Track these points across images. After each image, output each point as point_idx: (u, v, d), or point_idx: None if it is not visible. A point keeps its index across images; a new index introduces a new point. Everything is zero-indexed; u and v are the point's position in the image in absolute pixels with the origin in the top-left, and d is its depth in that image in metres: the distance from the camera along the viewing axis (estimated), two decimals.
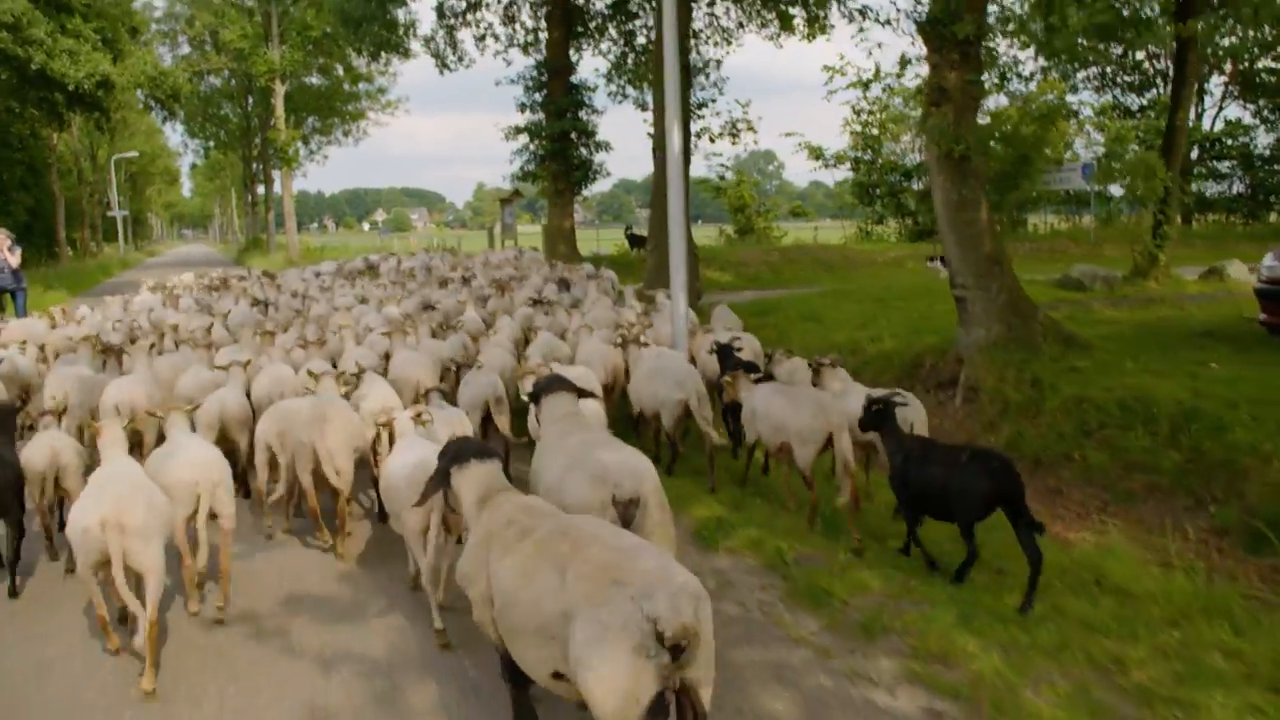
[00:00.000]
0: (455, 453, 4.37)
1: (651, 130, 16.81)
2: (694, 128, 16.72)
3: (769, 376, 7.98)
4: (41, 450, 6.22)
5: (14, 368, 9.66)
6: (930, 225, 34.50)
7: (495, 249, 33.65)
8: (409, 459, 5.57)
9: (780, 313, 16.09)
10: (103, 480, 5.10)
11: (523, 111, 26.65)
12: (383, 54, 29.27)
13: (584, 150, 26.30)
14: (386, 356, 9.37)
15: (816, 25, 23.46)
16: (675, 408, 7.80)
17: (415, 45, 28.67)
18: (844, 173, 36.55)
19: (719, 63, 20.14)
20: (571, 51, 26.60)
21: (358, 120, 55.62)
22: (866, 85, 32.83)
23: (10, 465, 6.06)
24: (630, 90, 28.62)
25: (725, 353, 8.51)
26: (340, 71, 51.51)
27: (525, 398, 6.51)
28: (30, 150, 44.38)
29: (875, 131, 34.49)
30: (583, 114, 26.21)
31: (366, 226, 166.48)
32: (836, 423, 6.62)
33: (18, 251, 17.76)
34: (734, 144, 16.96)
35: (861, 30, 27.38)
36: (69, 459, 6.31)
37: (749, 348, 9.51)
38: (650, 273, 16.62)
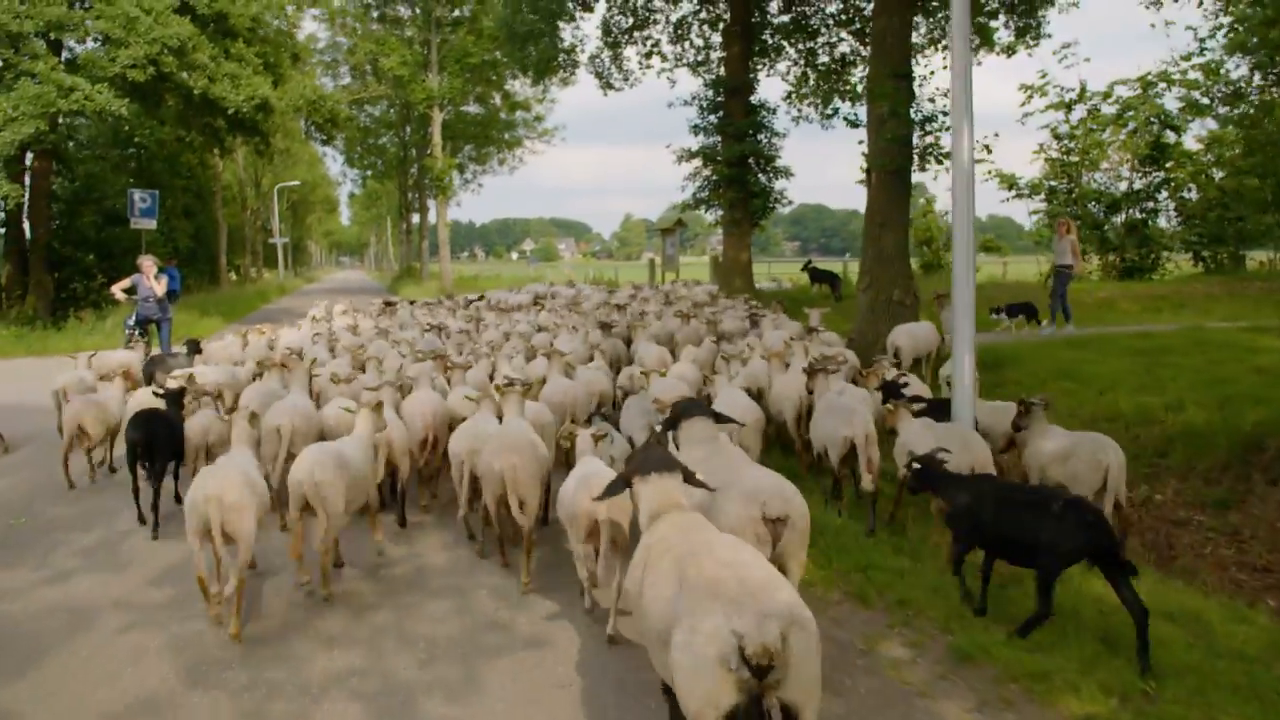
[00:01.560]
0: (639, 462, 4.43)
1: (865, 148, 14.33)
2: (916, 144, 14.04)
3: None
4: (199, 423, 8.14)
5: (232, 376, 10.98)
6: (1138, 263, 30.93)
7: (656, 281, 31.83)
8: (577, 474, 5.91)
9: (1020, 366, 13.36)
10: (214, 466, 5.97)
11: (696, 134, 24.58)
12: (545, 76, 27.85)
13: (763, 177, 24.00)
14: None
15: (1029, 34, 20.67)
16: (841, 445, 7.65)
17: (578, 65, 27.03)
18: (1032, 204, 33.16)
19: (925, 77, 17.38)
20: (751, 70, 24.43)
21: (514, 148, 54.88)
22: (1070, 106, 29.55)
23: (178, 429, 7.99)
24: (811, 112, 26.36)
25: (890, 389, 8.65)
26: (498, 100, 50.94)
27: (657, 426, 6.46)
28: (198, 178, 44.94)
29: (1074, 159, 31.10)
30: (762, 137, 23.94)
31: (515, 256, 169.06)
32: (980, 460, 6.80)
33: (164, 280, 16.56)
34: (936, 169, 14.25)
35: (1066, 47, 24.59)
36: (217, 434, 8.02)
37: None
38: (862, 315, 14.12)
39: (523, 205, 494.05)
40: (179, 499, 8.18)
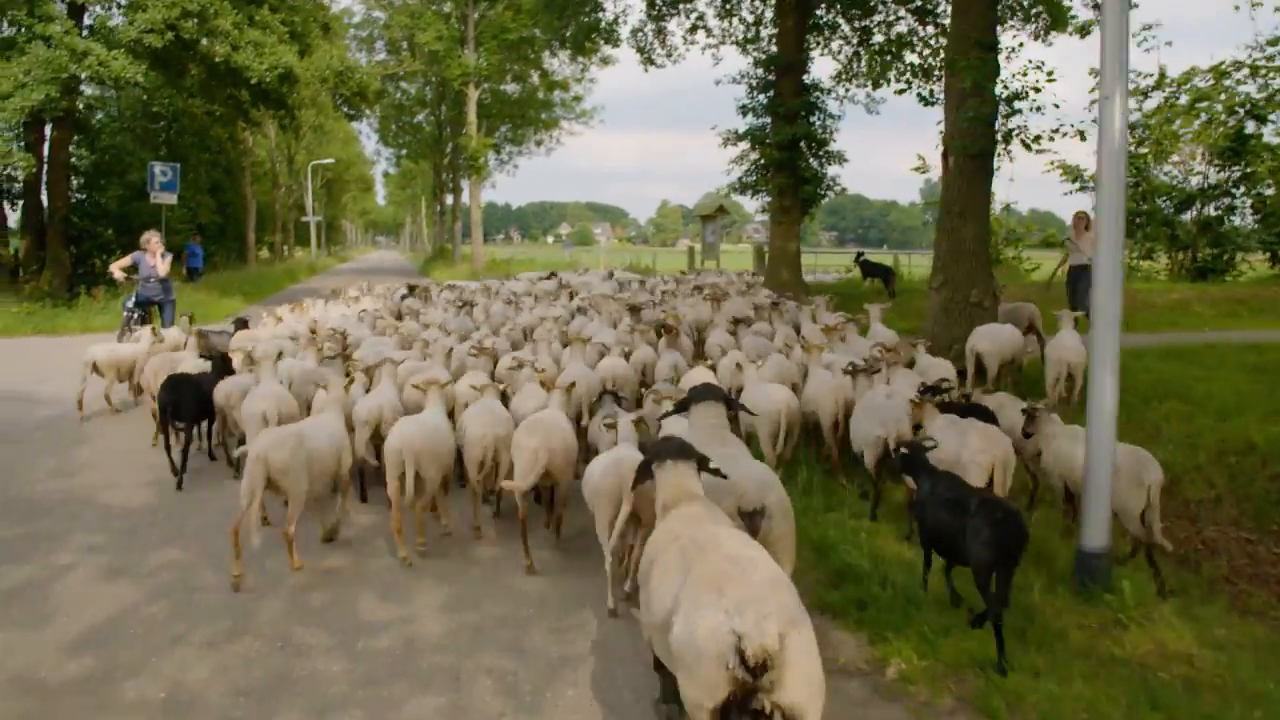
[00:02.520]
0: (657, 451, 4.53)
1: (941, 126, 12.69)
2: (1000, 125, 12.35)
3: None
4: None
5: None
6: (1210, 263, 28.95)
7: (694, 269, 30.38)
8: (607, 457, 5.98)
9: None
10: (274, 429, 6.65)
11: (744, 115, 22.88)
12: (584, 50, 26.32)
13: (815, 162, 22.29)
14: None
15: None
16: (875, 446, 7.46)
17: (619, 38, 25.49)
18: (1087, 197, 31.16)
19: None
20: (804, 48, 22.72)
21: (551, 129, 53.40)
22: (1146, 94, 27.50)
23: (207, 390, 8.77)
24: (861, 94, 24.68)
25: (932, 395, 7.94)
26: (535, 79, 49.49)
27: (670, 407, 6.28)
28: (227, 153, 43.86)
29: (1144, 150, 29.12)
30: (815, 119, 22.22)
31: (550, 239, 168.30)
32: (1001, 457, 6.54)
33: (168, 259, 15.23)
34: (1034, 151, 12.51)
35: (1147, 29, 22.66)
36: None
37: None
38: (935, 317, 12.53)
39: (559, 189, 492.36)
40: (212, 456, 9.43)
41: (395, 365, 8.45)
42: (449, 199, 58.77)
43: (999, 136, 12.35)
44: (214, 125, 38.56)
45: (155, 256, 14.91)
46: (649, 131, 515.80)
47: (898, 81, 21.09)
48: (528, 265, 42.35)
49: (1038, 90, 12.03)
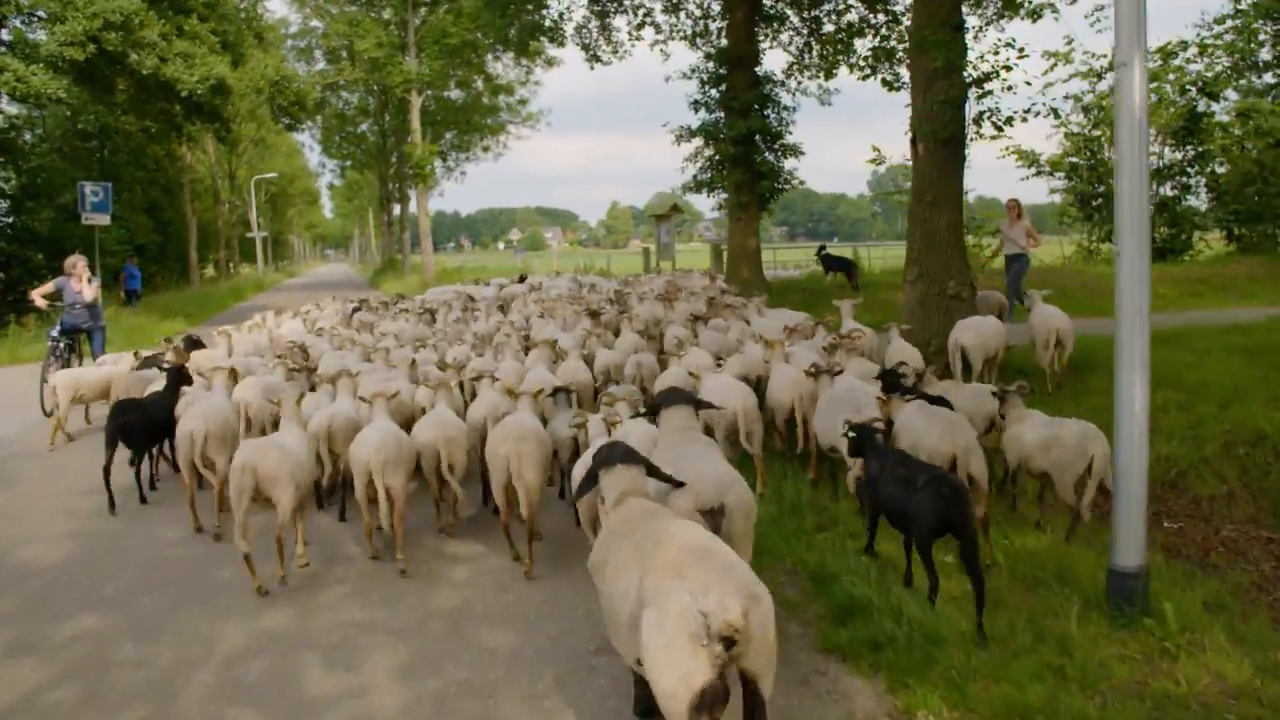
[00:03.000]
0: (604, 456, 4.62)
1: (908, 112, 12.11)
2: (971, 109, 11.80)
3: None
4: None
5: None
6: (1169, 243, 28.76)
7: (657, 269, 29.77)
8: (588, 457, 5.94)
9: (1100, 370, 11.27)
10: (254, 441, 6.70)
11: (696, 110, 22.23)
12: (528, 52, 25.48)
13: (770, 155, 21.70)
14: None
15: None
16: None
17: (564, 36, 24.71)
18: (1051, 182, 30.87)
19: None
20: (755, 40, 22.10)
21: (497, 134, 52.55)
22: (1100, 75, 27.13)
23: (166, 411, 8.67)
24: (813, 86, 24.06)
25: (890, 380, 8.01)
26: (479, 84, 48.60)
27: (641, 410, 6.58)
28: (165, 171, 42.48)
29: (1098, 132, 28.88)
30: (769, 112, 21.61)
31: (501, 246, 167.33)
32: (963, 445, 6.40)
33: (95, 284, 14.24)
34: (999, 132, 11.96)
35: (1099, 10, 22.24)
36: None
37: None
38: (910, 311, 11.94)
39: (509, 195, 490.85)
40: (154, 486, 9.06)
41: (352, 377, 8.25)
42: (396, 209, 57.57)
43: (969, 120, 11.80)
44: (149, 143, 37.31)
45: (81, 281, 13.92)
46: (595, 134, 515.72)
47: (858, 70, 20.42)
48: (479, 273, 41.52)
49: (1008, 69, 11.49)
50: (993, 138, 12.04)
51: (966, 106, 11.78)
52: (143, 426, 8.47)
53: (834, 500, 7.62)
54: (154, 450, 9.17)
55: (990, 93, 11.67)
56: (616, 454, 4.60)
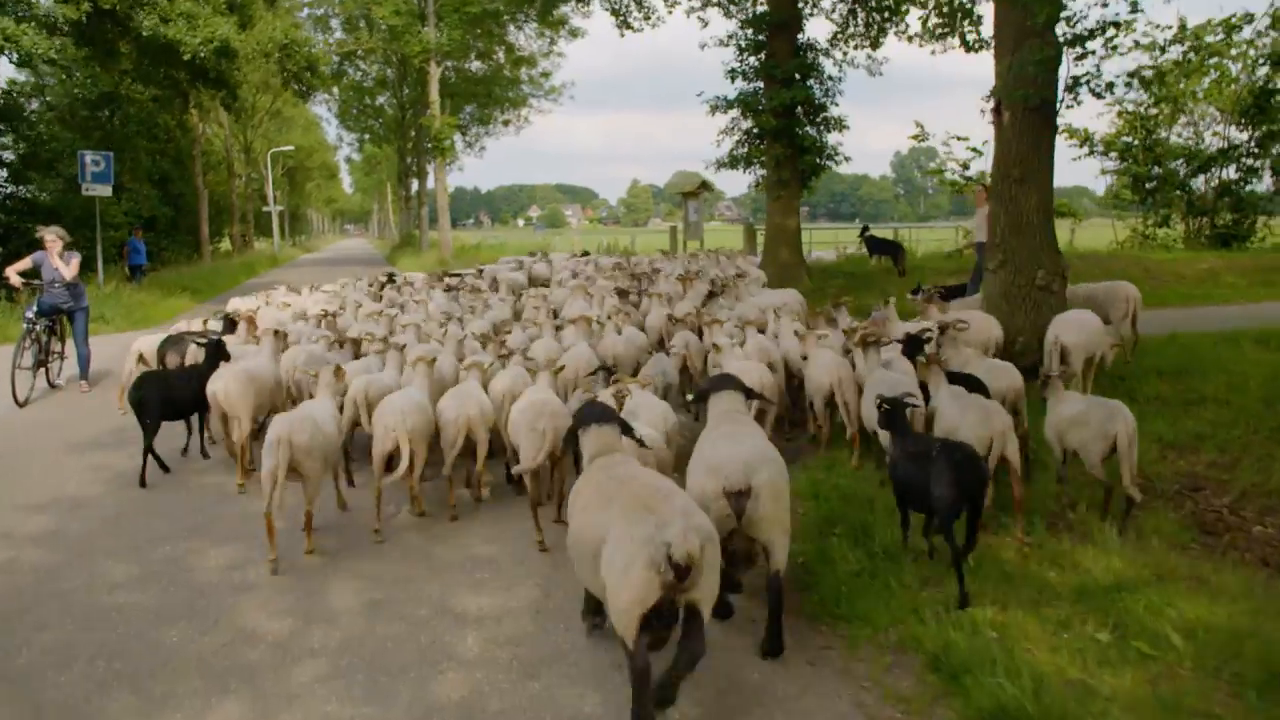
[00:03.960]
0: (582, 416, 4.97)
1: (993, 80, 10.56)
2: (1066, 71, 10.22)
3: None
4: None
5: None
6: (1231, 229, 27.03)
7: (678, 251, 28.36)
8: None
9: (1187, 375, 9.78)
10: (291, 412, 6.62)
11: (733, 80, 20.68)
12: (550, 22, 23.93)
13: (812, 130, 20.15)
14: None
15: None
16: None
17: (591, 4, 23.21)
18: (1104, 163, 29.06)
19: None
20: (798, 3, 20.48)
21: (519, 107, 50.99)
22: (1164, 49, 25.26)
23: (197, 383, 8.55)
24: (862, 57, 22.37)
25: (913, 344, 8.16)
26: (501, 56, 47.02)
27: (688, 397, 7.03)
28: (176, 141, 41.11)
29: (1155, 110, 27.08)
30: (812, 82, 20.05)
31: (521, 223, 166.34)
32: (1000, 429, 6.16)
33: (74, 260, 12.87)
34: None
35: None
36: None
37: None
38: (992, 303, 10.44)
39: (529, 171, 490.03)
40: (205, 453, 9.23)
41: (400, 351, 8.58)
42: (415, 184, 56.13)
43: (1063, 85, 10.25)
44: (159, 112, 35.98)
45: (54, 256, 12.59)
46: (618, 111, 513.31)
47: (926, 34, 18.56)
48: (499, 250, 40.31)
49: (1117, 27, 9.90)
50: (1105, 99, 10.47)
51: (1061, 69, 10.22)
52: (165, 400, 8.46)
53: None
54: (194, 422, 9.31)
55: (1091, 53, 10.08)
56: (594, 414, 4.94)
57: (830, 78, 20.24)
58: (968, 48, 14.01)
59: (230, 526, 7.02)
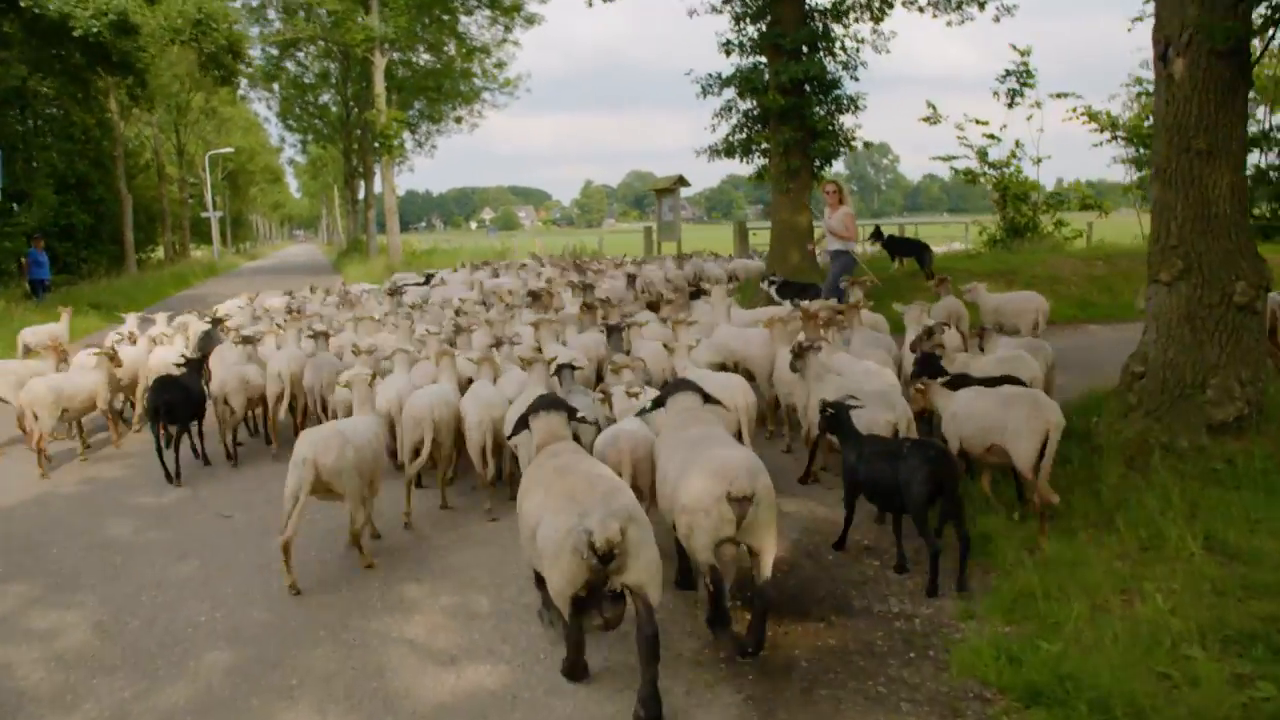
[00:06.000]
0: (534, 405, 5.27)
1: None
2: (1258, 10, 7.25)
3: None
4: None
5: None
6: (1270, 219, 24.43)
7: (654, 254, 25.43)
8: (609, 431, 6.08)
9: None
10: (317, 429, 6.27)
11: (728, 54, 17.63)
12: (504, 8, 20.74)
13: (822, 110, 17.14)
14: None
15: None
16: (885, 429, 6.57)
17: None
18: (1122, 151, 26.42)
19: None
20: None
21: (471, 103, 47.60)
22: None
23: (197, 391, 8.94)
24: (864, 30, 19.41)
25: (927, 362, 7.65)
26: (451, 48, 43.62)
27: (648, 405, 6.38)
28: (97, 143, 37.25)
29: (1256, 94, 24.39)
30: (822, 54, 17.04)
31: (474, 225, 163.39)
32: (1055, 421, 5.99)
33: None
34: None
35: None
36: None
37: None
38: (1165, 327, 7.40)
39: (481, 174, 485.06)
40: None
41: (408, 356, 8.45)
42: (362, 186, 52.42)
43: (1258, 20, 7.28)
44: (74, 108, 32.24)
45: None
46: (567, 112, 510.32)
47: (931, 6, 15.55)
48: (451, 255, 37.08)
49: None
50: None
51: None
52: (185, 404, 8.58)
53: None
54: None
55: None
56: (544, 403, 5.29)
57: (844, 48, 17.20)
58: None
59: None
